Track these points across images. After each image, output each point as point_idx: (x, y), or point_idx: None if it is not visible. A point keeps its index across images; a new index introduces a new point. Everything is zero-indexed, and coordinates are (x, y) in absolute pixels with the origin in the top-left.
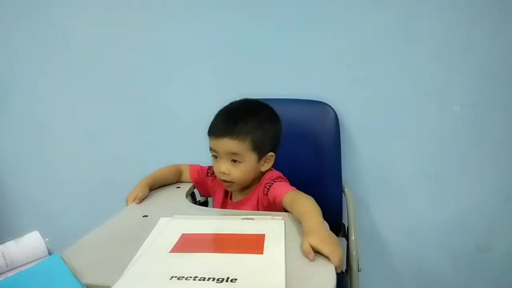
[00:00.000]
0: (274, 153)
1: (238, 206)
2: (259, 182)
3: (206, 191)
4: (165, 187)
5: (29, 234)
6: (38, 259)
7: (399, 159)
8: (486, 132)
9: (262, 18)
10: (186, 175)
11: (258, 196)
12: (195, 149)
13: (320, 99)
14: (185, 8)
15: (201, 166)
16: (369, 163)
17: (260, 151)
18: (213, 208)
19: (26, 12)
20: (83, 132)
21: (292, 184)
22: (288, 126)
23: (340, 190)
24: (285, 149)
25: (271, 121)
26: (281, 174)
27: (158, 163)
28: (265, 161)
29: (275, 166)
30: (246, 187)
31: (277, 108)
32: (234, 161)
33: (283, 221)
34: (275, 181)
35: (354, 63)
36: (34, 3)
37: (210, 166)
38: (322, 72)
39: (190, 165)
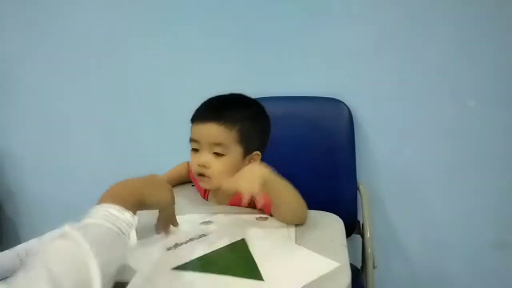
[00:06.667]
0: (261, 153)
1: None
2: None
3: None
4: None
5: (49, 233)
6: None
7: (413, 155)
8: (502, 127)
9: (272, 14)
10: None
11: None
12: None
13: (333, 96)
14: (195, 4)
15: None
16: (383, 159)
17: (247, 145)
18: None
19: (38, 11)
20: (100, 130)
21: (306, 181)
22: (302, 124)
23: (354, 187)
24: (300, 147)
25: (262, 116)
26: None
27: (173, 160)
28: (249, 161)
29: (290, 164)
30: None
31: (289, 106)
32: (217, 154)
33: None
34: None
35: (367, 58)
36: (49, 2)
37: None
38: (335, 68)
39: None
